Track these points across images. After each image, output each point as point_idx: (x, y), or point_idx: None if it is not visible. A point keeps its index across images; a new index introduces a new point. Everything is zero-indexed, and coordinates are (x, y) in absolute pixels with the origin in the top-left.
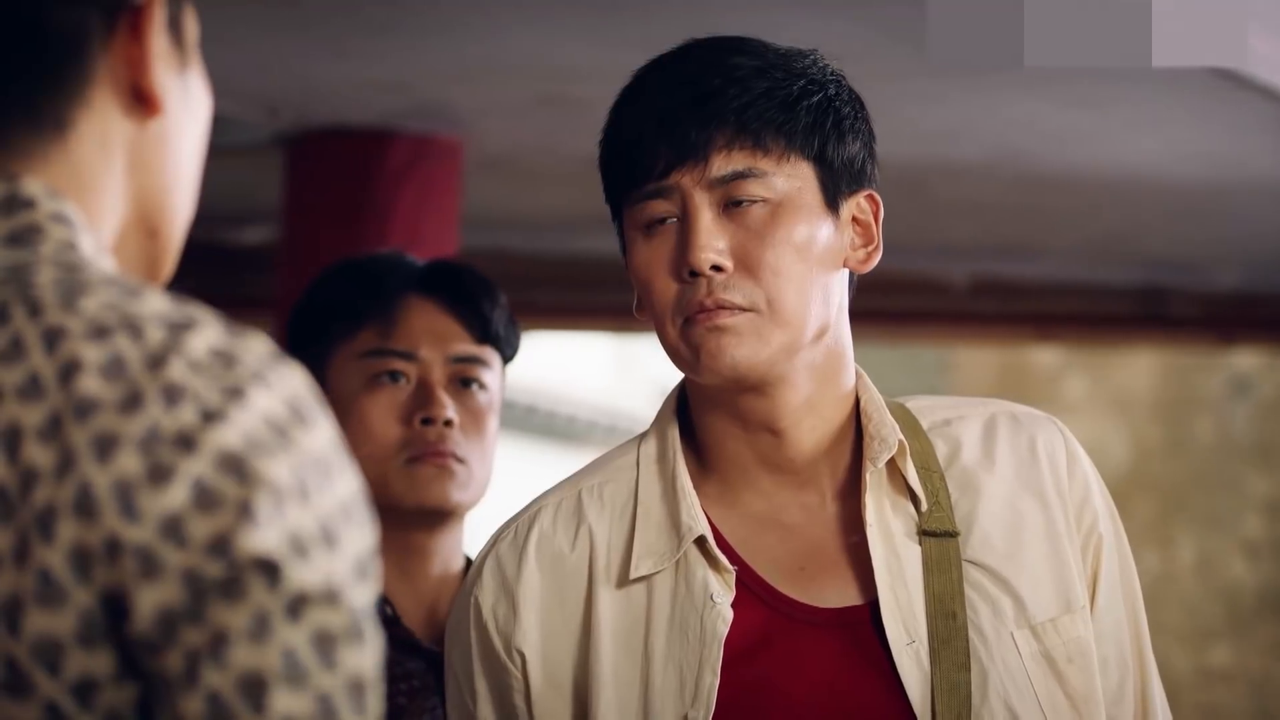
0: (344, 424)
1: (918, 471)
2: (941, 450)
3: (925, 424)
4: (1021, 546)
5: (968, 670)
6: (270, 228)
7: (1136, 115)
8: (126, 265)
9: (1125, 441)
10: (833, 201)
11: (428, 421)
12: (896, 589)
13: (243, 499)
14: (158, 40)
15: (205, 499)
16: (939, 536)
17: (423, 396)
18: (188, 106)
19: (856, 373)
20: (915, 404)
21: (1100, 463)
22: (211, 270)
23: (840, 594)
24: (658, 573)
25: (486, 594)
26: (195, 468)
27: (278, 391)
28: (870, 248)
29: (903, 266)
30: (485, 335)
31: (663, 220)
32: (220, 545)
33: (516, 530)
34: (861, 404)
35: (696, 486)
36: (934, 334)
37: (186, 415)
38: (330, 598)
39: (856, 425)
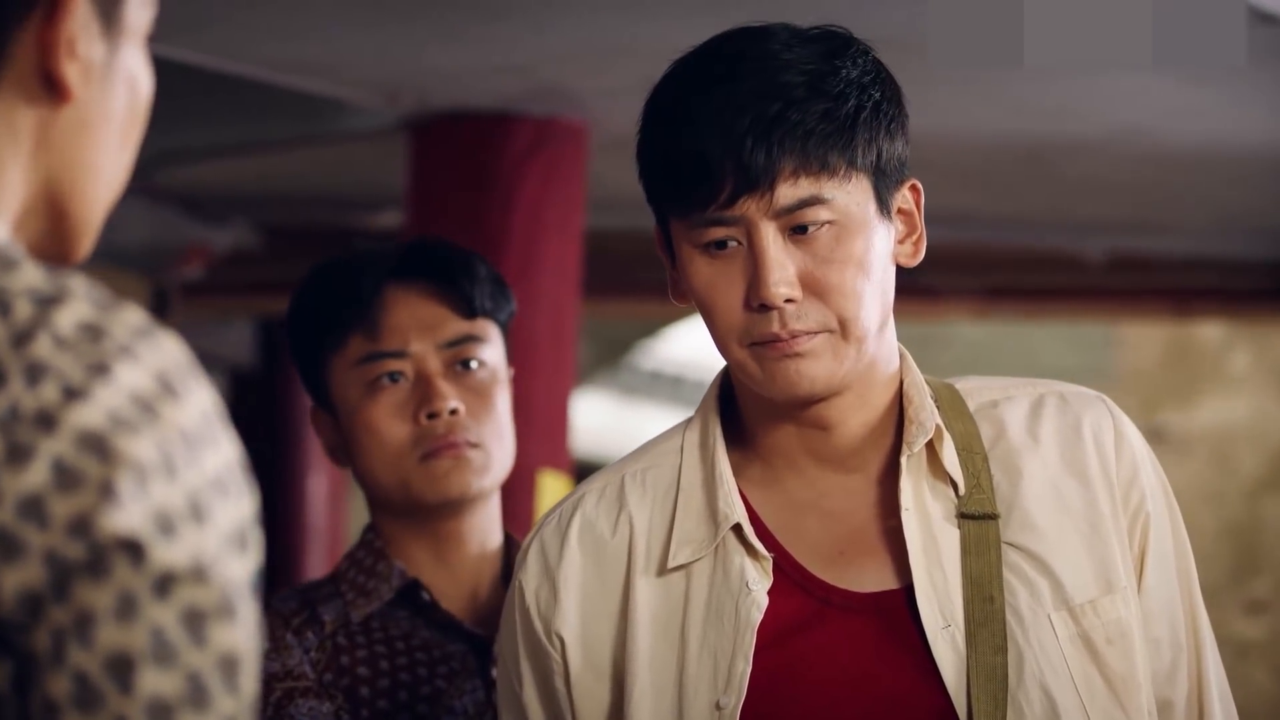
0: (353, 433)
1: (959, 454)
2: (986, 432)
3: (972, 406)
4: (1061, 528)
5: (1004, 653)
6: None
7: (1247, 90)
8: (30, 244)
9: None
10: (885, 205)
11: (433, 416)
12: (933, 572)
13: (104, 478)
14: (74, 25)
15: (65, 479)
16: (978, 519)
17: (423, 391)
18: (111, 91)
19: (900, 354)
20: (964, 385)
21: (1265, 437)
22: None
23: (878, 578)
24: (696, 560)
25: (530, 578)
26: (55, 447)
27: (146, 365)
28: (914, 237)
29: (1038, 243)
30: (472, 311)
31: (724, 243)
32: (81, 526)
33: (561, 515)
34: (904, 387)
35: (738, 470)
36: (1072, 311)
37: (48, 393)
38: (199, 575)
39: (900, 408)
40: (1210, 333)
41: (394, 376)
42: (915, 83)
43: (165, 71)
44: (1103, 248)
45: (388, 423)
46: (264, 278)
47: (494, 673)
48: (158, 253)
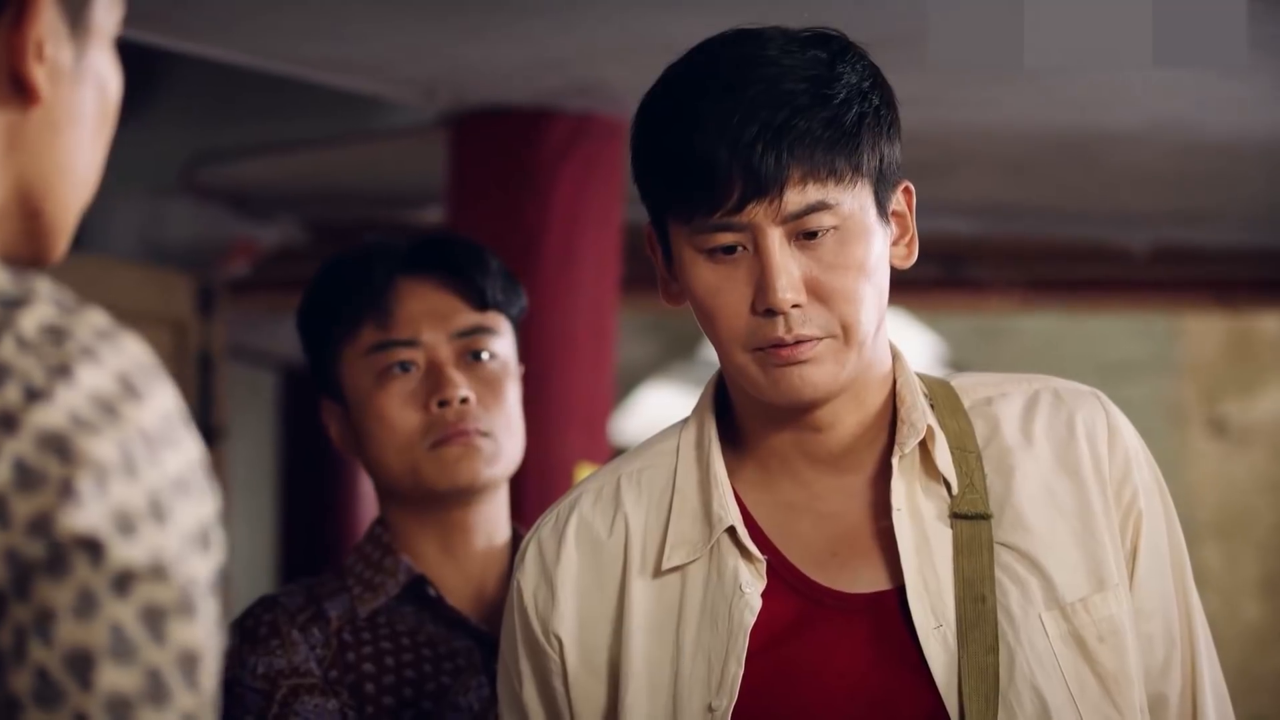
0: (363, 422)
1: (953, 453)
2: (981, 430)
3: (967, 403)
4: (1053, 527)
5: (995, 653)
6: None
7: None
8: (4, 247)
9: None
10: (883, 209)
11: (444, 404)
12: (925, 572)
13: (64, 478)
14: (42, 28)
15: (26, 479)
16: (971, 519)
17: (434, 380)
18: (80, 92)
19: (894, 353)
20: (960, 382)
21: None
22: None
23: (871, 579)
24: (691, 562)
25: (528, 579)
26: (16, 447)
27: (108, 366)
28: (907, 238)
29: (1081, 235)
30: (484, 303)
31: (731, 249)
32: (41, 525)
33: (558, 516)
34: (897, 387)
35: (733, 472)
36: (1117, 302)
37: (10, 395)
38: (158, 572)
39: (894, 408)
40: (1272, 324)
41: (405, 366)
42: (954, 77)
43: (206, 70)
44: (1147, 239)
45: (398, 411)
46: (310, 274)
47: None
48: (203, 250)
